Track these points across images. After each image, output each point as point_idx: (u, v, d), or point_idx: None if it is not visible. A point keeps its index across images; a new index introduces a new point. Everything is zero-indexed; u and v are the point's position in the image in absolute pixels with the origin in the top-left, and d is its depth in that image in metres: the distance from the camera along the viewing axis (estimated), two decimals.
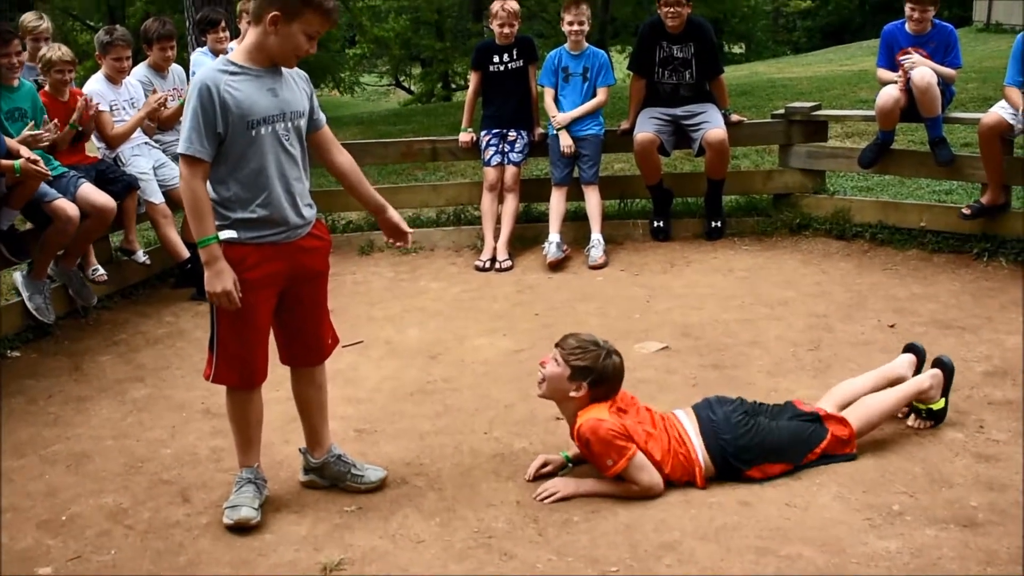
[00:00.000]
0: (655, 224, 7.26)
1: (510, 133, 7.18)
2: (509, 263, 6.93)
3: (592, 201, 7.06)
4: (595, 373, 3.88)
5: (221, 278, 3.55)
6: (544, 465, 4.06)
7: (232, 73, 3.55)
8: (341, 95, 32.32)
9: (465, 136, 7.41)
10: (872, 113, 6.76)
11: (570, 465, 4.09)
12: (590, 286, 6.47)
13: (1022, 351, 4.97)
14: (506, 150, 7.16)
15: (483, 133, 7.27)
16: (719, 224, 7.19)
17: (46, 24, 6.79)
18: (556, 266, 6.81)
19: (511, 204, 7.12)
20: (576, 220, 7.28)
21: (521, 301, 6.25)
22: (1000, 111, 6.14)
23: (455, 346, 5.56)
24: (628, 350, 5.29)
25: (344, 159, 3.90)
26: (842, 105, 11.13)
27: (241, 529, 3.70)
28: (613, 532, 3.59)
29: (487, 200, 7.15)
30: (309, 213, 3.77)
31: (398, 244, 4.08)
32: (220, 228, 3.60)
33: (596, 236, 6.94)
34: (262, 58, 3.58)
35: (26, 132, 5.68)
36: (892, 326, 5.43)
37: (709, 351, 5.24)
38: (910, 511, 3.60)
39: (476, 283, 6.67)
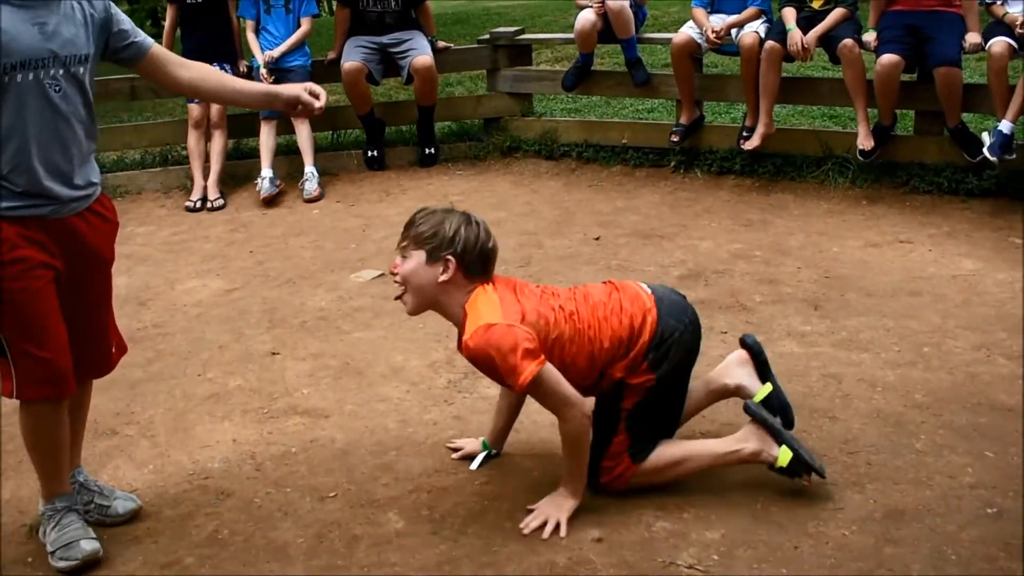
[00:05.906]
0: (369, 154, 7.22)
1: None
2: (221, 201, 6.71)
3: (303, 134, 6.92)
4: (454, 239, 3.00)
5: None
6: (455, 451, 3.55)
7: None
8: None
9: None
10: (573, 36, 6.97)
11: (493, 453, 3.51)
12: (306, 220, 6.38)
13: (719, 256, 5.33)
14: None
15: None
16: (432, 151, 7.24)
17: None
18: (270, 201, 6.66)
19: (219, 141, 6.87)
20: (289, 154, 7.14)
21: (234, 240, 6.08)
22: (688, 31, 6.48)
23: (166, 290, 5.36)
24: (344, 280, 5.31)
25: (192, 70, 3.14)
26: (552, 31, 11.41)
27: (90, 565, 3.05)
28: (331, 459, 3.60)
29: (193, 138, 6.86)
30: (86, 184, 2.98)
31: (315, 109, 3.20)
32: None
33: (310, 169, 6.82)
34: None
35: None
36: (597, 239, 5.68)
37: None
38: None
39: (187, 224, 6.43)
